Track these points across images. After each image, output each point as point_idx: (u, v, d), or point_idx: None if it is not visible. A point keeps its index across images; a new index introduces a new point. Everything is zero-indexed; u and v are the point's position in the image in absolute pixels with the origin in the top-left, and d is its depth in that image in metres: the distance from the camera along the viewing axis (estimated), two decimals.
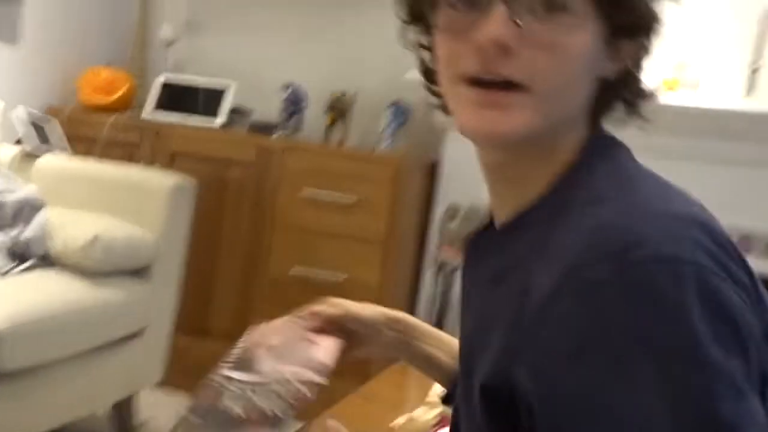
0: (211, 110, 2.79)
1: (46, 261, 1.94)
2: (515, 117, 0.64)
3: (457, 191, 2.55)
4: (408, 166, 2.47)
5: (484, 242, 0.76)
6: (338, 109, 2.74)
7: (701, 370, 0.52)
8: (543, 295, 0.59)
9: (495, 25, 0.61)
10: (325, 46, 2.98)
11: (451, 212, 2.34)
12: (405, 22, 0.75)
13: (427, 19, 0.71)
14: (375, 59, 2.88)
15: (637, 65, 0.71)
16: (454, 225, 2.31)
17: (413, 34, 0.75)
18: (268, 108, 2.90)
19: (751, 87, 2.40)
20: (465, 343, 0.76)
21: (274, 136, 2.72)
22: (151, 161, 2.66)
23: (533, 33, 0.62)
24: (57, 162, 2.33)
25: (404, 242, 2.54)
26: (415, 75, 2.84)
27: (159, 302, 2.14)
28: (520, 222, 0.69)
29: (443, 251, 2.36)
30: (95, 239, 1.89)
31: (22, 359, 1.64)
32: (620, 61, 0.68)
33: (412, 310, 2.67)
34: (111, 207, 2.11)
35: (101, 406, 2.08)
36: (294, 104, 2.75)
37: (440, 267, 2.43)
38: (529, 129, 0.64)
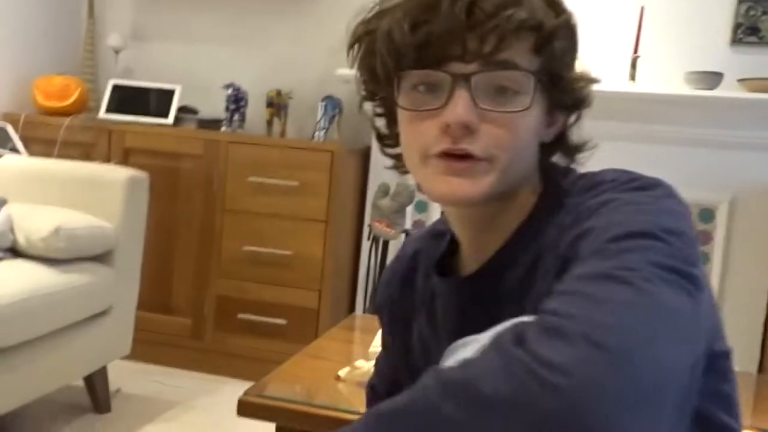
0: (161, 110, 2.75)
1: (12, 252, 1.88)
2: (479, 183, 0.67)
3: (386, 172, 2.56)
4: (342, 153, 2.47)
5: (478, 280, 0.75)
6: (276, 105, 2.74)
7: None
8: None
9: (461, 108, 0.64)
10: (260, 49, 2.96)
11: (383, 191, 2.36)
12: (364, 98, 0.76)
13: (385, 97, 0.73)
14: (306, 59, 2.89)
15: (569, 129, 0.76)
16: (385, 201, 2.33)
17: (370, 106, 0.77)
18: (213, 107, 2.88)
19: (632, 74, 2.49)
20: None
21: (221, 130, 2.70)
22: (107, 159, 2.60)
23: (491, 113, 0.66)
24: (16, 162, 2.25)
25: (343, 219, 2.55)
26: (343, 71, 2.86)
27: (123, 284, 2.11)
28: (517, 242, 0.72)
29: (377, 225, 2.38)
30: (58, 229, 1.85)
31: None
32: (556, 128, 0.74)
33: (354, 278, 2.69)
34: (71, 202, 2.06)
35: (76, 377, 2.05)
36: (236, 102, 2.74)
37: (375, 239, 2.44)
38: (490, 192, 0.68)
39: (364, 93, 0.76)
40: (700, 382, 0.56)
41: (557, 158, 0.77)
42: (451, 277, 0.77)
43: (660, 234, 0.57)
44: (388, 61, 0.68)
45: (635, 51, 2.49)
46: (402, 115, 0.71)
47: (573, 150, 0.77)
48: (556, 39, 0.67)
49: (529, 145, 0.70)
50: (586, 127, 2.69)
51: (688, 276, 0.55)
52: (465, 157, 0.66)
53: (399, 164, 0.77)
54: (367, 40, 0.71)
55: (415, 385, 0.51)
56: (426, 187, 0.70)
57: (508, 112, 0.66)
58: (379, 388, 0.94)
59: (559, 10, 0.69)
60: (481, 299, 0.73)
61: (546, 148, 0.74)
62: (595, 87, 2.77)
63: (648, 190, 0.63)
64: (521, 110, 0.66)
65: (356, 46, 0.73)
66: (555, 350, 0.47)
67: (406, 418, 0.49)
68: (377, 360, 0.95)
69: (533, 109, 0.67)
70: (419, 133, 0.68)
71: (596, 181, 0.67)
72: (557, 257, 0.65)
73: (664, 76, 2.53)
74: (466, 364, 0.51)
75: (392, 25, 0.67)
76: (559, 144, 0.75)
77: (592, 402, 0.45)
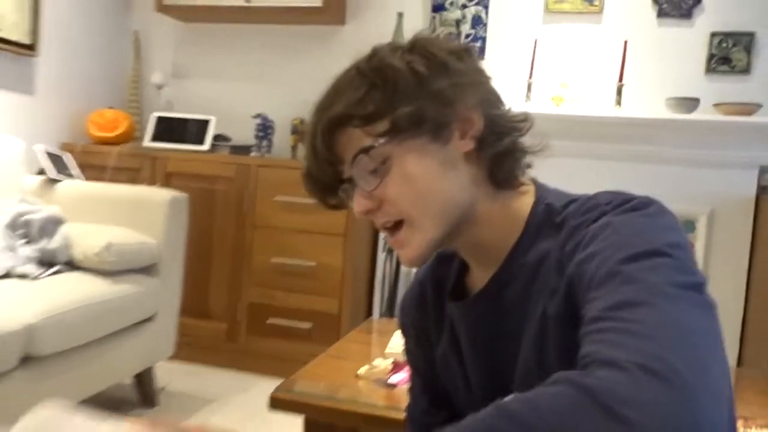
0: (198, 138, 2.77)
1: (70, 266, 1.90)
2: (412, 247, 0.67)
3: None
4: None
5: (483, 299, 0.71)
6: (300, 132, 2.75)
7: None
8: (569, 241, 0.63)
9: (356, 204, 0.67)
10: (285, 83, 2.98)
11: None
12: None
13: None
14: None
15: (490, 119, 0.68)
16: None
17: None
18: (244, 134, 2.91)
19: (618, 100, 2.49)
20: (524, 346, 0.67)
21: (251, 155, 2.73)
22: (151, 182, 2.63)
23: (377, 190, 0.66)
24: (73, 186, 2.28)
25: (360, 233, 2.55)
26: None
27: (166, 292, 2.12)
28: (513, 260, 0.69)
29: None
30: (109, 245, 1.86)
31: (55, 345, 1.61)
32: (473, 129, 0.67)
33: (370, 285, 2.69)
34: (120, 220, 2.08)
35: (126, 376, 2.06)
36: (264, 130, 2.76)
37: (389, 250, 2.44)
38: (428, 247, 0.67)
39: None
40: None
41: (503, 146, 0.68)
42: (461, 300, 0.75)
43: (666, 250, 0.55)
44: (323, 207, 0.73)
45: (620, 80, 2.49)
46: None
47: (508, 131, 0.69)
48: (369, 105, 0.65)
49: (428, 181, 0.66)
50: (577, 148, 2.68)
51: (698, 287, 0.53)
52: (394, 228, 0.67)
53: None
54: (309, 193, 0.74)
55: (475, 415, 0.47)
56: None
57: (380, 182, 0.66)
58: (415, 414, 0.88)
59: (369, 70, 0.67)
60: (488, 316, 0.71)
61: (479, 153, 0.67)
62: (584, 112, 2.66)
63: (642, 209, 0.60)
64: (388, 173, 0.65)
65: None
66: (618, 383, 0.43)
67: None
68: (410, 388, 0.89)
69: (402, 157, 0.65)
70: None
71: (592, 205, 0.64)
72: (560, 278, 0.62)
73: (647, 101, 2.53)
74: (528, 397, 0.46)
75: (307, 186, 0.72)
76: (488, 142, 0.67)
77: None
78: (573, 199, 0.68)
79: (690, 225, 2.43)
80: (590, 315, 0.52)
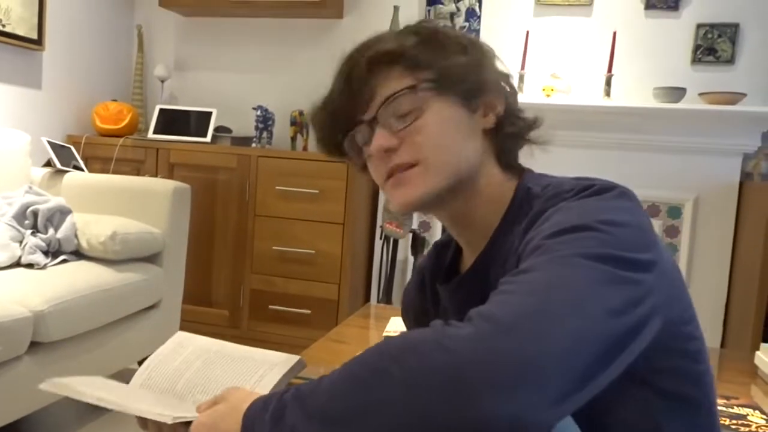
0: (200, 130, 2.75)
1: (76, 255, 1.89)
2: (418, 186, 0.67)
3: None
4: None
5: (469, 280, 0.73)
6: (299, 123, 2.74)
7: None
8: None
9: (377, 139, 0.67)
10: (284, 75, 2.96)
11: None
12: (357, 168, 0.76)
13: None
14: (324, 83, 2.87)
15: (509, 108, 0.70)
16: None
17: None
18: (245, 126, 2.89)
19: (607, 90, 2.48)
20: None
21: (251, 146, 2.71)
22: (154, 173, 2.61)
23: (404, 130, 0.67)
24: (79, 177, 2.26)
25: (358, 221, 2.54)
26: None
27: (169, 280, 2.11)
28: (495, 241, 0.70)
29: (388, 226, 2.37)
30: (114, 234, 1.85)
31: (62, 331, 1.60)
32: (493, 113, 0.70)
33: (368, 273, 2.69)
34: (124, 210, 2.07)
35: (132, 361, 2.04)
36: (264, 122, 2.74)
37: (386, 238, 2.43)
38: (427, 190, 0.67)
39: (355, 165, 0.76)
40: (631, 356, 0.50)
41: (511, 141, 0.71)
42: (449, 282, 0.76)
43: (596, 225, 0.53)
44: (324, 148, 0.74)
45: (609, 70, 2.47)
46: (368, 164, 0.73)
47: (523, 128, 0.72)
48: (419, 53, 0.67)
49: (452, 136, 0.67)
50: (567, 137, 2.66)
51: (620, 260, 0.51)
52: (406, 168, 0.67)
53: None
54: (316, 131, 0.75)
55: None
56: (391, 205, 0.72)
57: (410, 123, 0.66)
58: None
59: (419, 30, 0.69)
60: (472, 297, 0.69)
61: (495, 133, 0.70)
62: (574, 102, 2.69)
63: (600, 194, 0.59)
64: (420, 117, 0.66)
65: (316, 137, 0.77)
66: (459, 328, 0.48)
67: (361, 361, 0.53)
68: None
69: (437, 108, 0.67)
70: (374, 172, 0.71)
71: (555, 192, 0.64)
72: (517, 259, 0.61)
73: (635, 91, 2.51)
74: (406, 334, 0.52)
75: (319, 120, 0.73)
76: (505, 125, 0.70)
77: (474, 364, 0.44)
78: (549, 183, 0.68)
79: (676, 211, 2.42)
80: None
